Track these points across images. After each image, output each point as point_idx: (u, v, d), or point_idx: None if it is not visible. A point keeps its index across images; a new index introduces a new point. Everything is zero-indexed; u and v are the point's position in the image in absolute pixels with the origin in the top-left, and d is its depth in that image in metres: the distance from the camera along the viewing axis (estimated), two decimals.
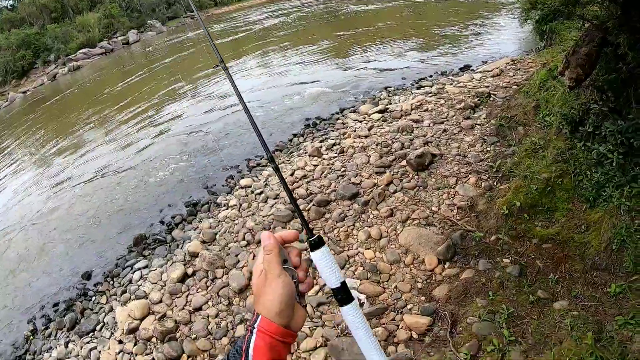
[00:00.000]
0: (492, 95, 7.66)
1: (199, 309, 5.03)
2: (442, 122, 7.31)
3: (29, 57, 35.51)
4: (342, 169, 6.80)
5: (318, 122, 9.53)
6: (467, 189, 5.49)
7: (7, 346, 5.93)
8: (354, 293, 4.12)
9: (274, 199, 6.63)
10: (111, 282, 6.32)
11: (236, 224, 6.35)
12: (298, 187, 6.67)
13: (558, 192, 4.37)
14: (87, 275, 6.75)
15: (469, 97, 7.86)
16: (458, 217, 5.11)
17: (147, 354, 4.73)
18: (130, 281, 6.09)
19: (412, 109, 8.12)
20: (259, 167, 8.26)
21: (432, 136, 6.93)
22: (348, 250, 5.17)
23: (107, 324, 5.46)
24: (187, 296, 5.29)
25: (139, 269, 6.25)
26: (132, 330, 5.03)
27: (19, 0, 42.73)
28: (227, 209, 6.95)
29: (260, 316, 0.88)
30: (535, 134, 5.61)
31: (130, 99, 16.77)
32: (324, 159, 7.31)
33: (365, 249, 5.11)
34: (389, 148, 6.93)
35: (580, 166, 4.33)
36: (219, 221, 6.63)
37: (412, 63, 12.08)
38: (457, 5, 20.58)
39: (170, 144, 10.93)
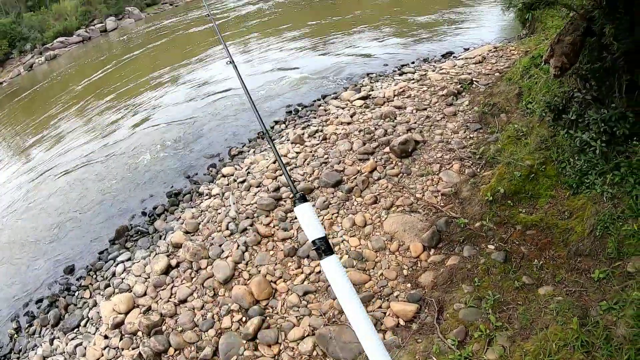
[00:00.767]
0: (474, 82, 7.68)
1: (184, 301, 4.96)
2: (425, 109, 7.30)
3: (4, 47, 34.27)
4: (325, 156, 6.75)
5: (300, 108, 9.43)
6: (450, 176, 5.51)
7: None
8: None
9: (257, 187, 6.54)
10: (94, 276, 6.18)
11: (219, 213, 6.26)
12: (281, 175, 6.61)
13: (541, 179, 4.42)
14: (69, 270, 6.60)
15: (451, 83, 7.86)
16: (442, 204, 5.13)
17: (133, 349, 4.67)
18: (114, 274, 5.97)
19: (394, 96, 8.09)
20: (240, 155, 8.15)
21: (415, 123, 6.93)
22: (333, 238, 5.14)
23: (92, 319, 5.36)
24: (171, 288, 5.21)
25: (122, 261, 6.13)
26: (118, 325, 4.94)
27: None
28: (209, 198, 6.84)
29: None
30: (518, 121, 5.65)
31: (108, 88, 16.32)
32: (306, 146, 7.24)
33: (350, 237, 5.10)
34: (372, 135, 6.90)
35: (563, 153, 4.37)
36: (202, 211, 6.53)
37: (393, 50, 12.02)
38: None
39: (150, 134, 10.69)
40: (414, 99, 7.77)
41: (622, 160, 3.65)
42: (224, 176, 7.35)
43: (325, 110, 8.64)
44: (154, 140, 10.16)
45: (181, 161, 8.79)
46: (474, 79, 7.79)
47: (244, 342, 4.25)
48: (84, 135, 12.24)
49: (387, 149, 6.39)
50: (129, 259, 6.16)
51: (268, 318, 4.44)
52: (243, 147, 8.47)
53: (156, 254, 5.90)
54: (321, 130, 7.59)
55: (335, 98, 9.20)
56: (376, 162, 6.19)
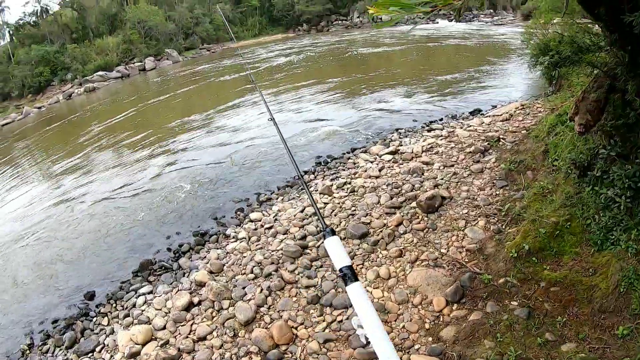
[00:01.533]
0: (501, 140, 7.78)
1: (203, 338, 5.01)
2: (452, 165, 7.42)
3: (46, 73, 36.58)
4: (353, 208, 6.88)
5: (329, 160, 9.71)
6: (476, 232, 5.53)
7: (1, 356, 5.91)
8: (359, 331, 4.12)
9: (284, 234, 6.70)
10: (114, 305, 6.35)
11: (244, 256, 6.40)
12: (308, 224, 6.75)
13: (566, 236, 4.40)
14: (90, 296, 6.80)
15: (478, 140, 8.00)
16: (467, 260, 5.13)
17: None
18: (134, 305, 6.11)
19: (422, 151, 8.27)
20: (269, 202, 8.38)
21: (442, 179, 7.03)
22: None
23: (108, 345, 5.46)
24: (191, 325, 5.29)
25: (144, 294, 6.29)
26: (133, 355, 5.02)
27: (42, 17, 44.38)
28: (236, 241, 7.02)
29: None
30: (544, 178, 5.68)
31: (143, 125, 17.13)
32: (334, 197, 7.41)
33: (374, 288, 5.12)
34: (399, 189, 7.03)
35: (588, 210, 4.37)
36: (227, 253, 6.70)
37: (422, 106, 12.35)
38: (466, 50, 21.08)
39: (180, 174, 11.15)
40: (441, 155, 7.91)
41: None
42: (251, 221, 7.55)
43: (354, 163, 8.87)
44: (184, 180, 10.56)
45: (209, 203, 9.07)
46: (500, 137, 7.90)
47: None
48: (115, 168, 12.84)
49: (413, 204, 6.47)
50: (151, 292, 6.31)
51: None
52: (271, 194, 8.71)
53: (178, 290, 6.04)
54: (349, 183, 7.78)
55: (365, 152, 9.45)
56: (402, 216, 6.27)
